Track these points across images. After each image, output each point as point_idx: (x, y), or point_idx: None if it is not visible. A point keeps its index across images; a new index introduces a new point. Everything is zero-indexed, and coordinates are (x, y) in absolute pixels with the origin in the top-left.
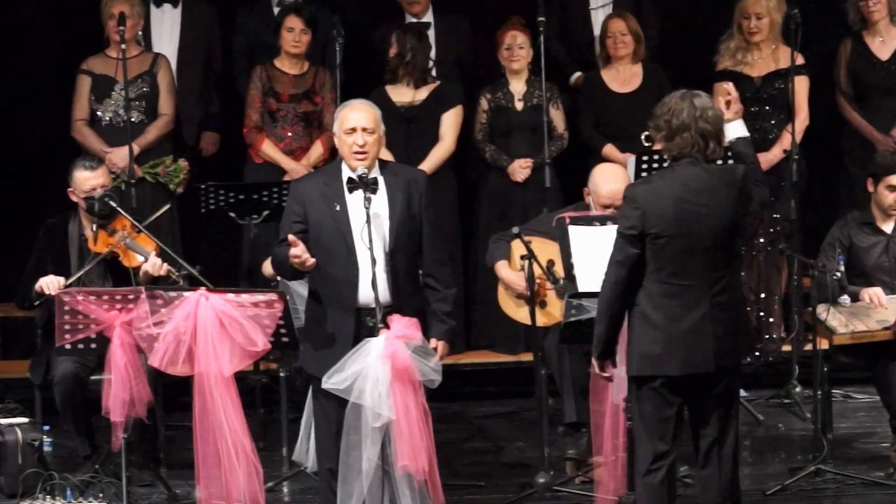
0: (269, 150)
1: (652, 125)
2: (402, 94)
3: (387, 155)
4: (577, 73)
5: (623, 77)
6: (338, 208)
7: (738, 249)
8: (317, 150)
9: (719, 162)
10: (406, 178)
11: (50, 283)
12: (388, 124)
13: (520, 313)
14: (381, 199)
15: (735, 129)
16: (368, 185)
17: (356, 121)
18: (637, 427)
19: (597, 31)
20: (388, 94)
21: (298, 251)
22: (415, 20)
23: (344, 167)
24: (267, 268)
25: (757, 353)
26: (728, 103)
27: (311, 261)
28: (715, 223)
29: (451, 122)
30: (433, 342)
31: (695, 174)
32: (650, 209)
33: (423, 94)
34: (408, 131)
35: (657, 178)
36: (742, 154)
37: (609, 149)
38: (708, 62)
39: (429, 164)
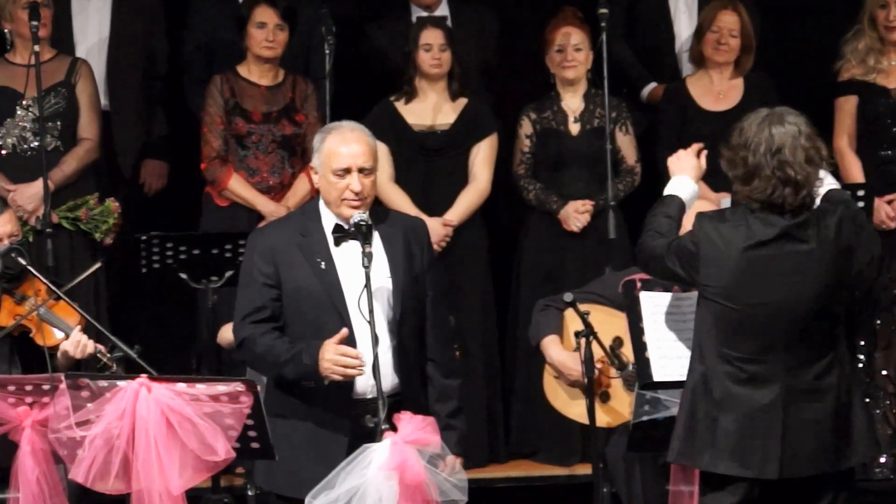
0: (239, 187)
1: (726, 158)
2: (421, 115)
3: (399, 196)
4: (652, 85)
5: (717, 89)
6: (323, 266)
7: (842, 328)
8: (302, 187)
9: None
10: (402, 228)
11: None
12: (400, 154)
13: (574, 409)
14: (376, 255)
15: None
16: (368, 236)
17: (351, 159)
18: None
19: (678, 27)
20: (401, 114)
21: (351, 352)
22: (425, 14)
23: (324, 210)
24: (225, 334)
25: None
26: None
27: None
28: (799, 294)
29: (485, 156)
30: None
31: (770, 229)
32: (711, 257)
33: (449, 115)
34: (429, 165)
35: (731, 219)
36: None
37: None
38: (828, 70)
39: (458, 211)
